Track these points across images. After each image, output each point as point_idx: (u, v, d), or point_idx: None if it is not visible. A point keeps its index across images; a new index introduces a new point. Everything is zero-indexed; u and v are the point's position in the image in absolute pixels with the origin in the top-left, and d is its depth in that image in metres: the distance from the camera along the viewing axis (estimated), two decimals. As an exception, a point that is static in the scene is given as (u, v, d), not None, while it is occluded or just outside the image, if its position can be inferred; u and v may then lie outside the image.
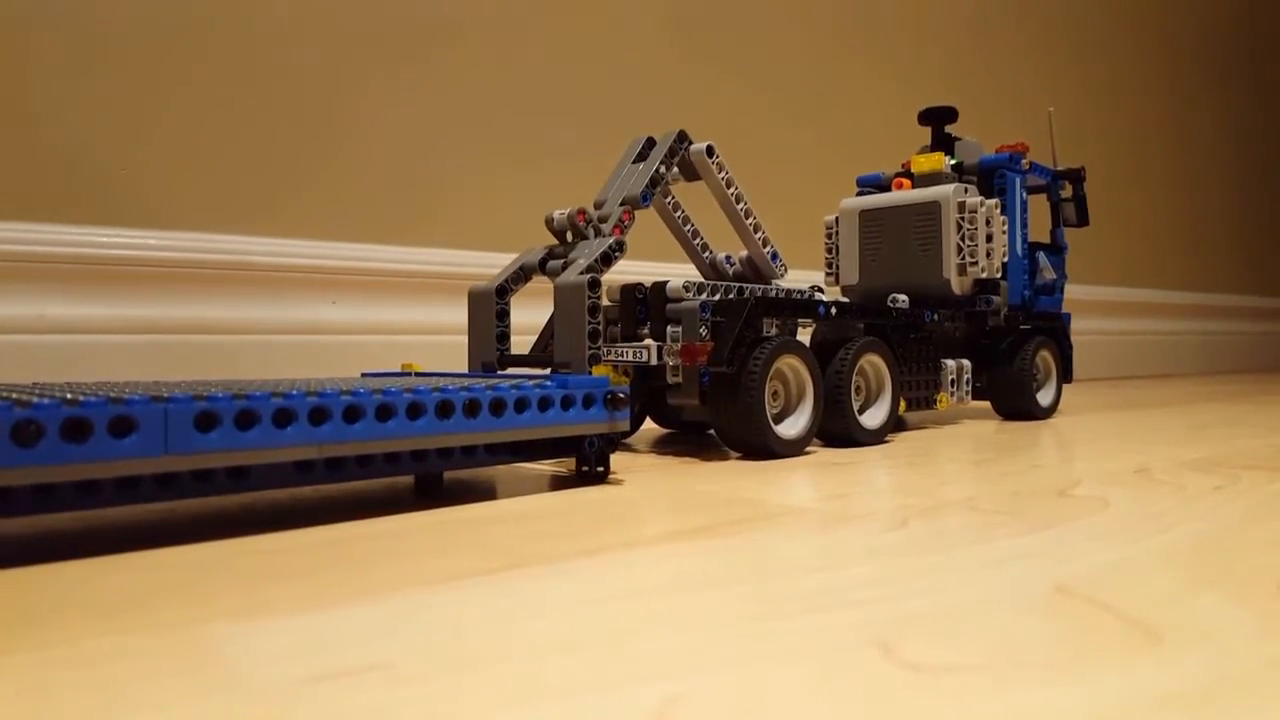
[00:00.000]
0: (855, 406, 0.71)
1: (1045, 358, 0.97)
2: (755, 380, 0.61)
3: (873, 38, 1.66)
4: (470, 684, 0.21)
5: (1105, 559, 0.33)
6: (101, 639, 0.25)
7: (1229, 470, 0.56)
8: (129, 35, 0.95)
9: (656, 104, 1.36)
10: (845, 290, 0.96)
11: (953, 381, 0.86)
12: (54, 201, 0.91)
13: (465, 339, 0.69)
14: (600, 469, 0.53)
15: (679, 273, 0.79)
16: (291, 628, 0.26)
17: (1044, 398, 0.96)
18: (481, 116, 1.20)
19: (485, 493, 0.50)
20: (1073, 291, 1.39)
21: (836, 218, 0.97)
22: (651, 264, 1.22)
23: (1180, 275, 2.38)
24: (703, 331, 0.63)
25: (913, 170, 0.93)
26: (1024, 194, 0.95)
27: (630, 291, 0.68)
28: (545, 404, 0.49)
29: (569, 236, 0.67)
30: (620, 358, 0.65)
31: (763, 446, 0.63)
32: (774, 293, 0.71)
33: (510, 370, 0.67)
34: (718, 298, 0.67)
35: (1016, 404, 0.94)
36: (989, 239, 0.86)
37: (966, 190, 0.87)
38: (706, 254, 0.78)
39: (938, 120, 0.98)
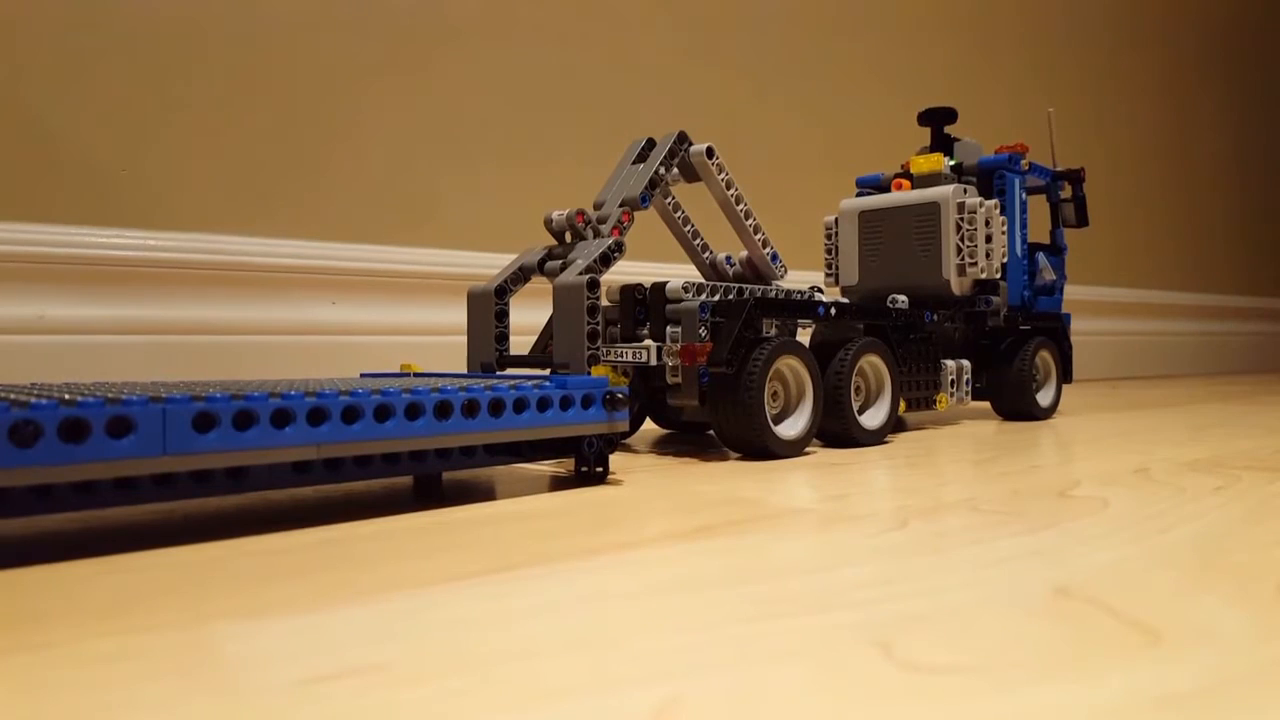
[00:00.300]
0: (855, 407, 0.71)
1: (1045, 358, 0.97)
2: (755, 381, 0.61)
3: (873, 38, 1.66)
4: (469, 684, 0.21)
5: (1105, 559, 0.33)
6: (101, 639, 0.25)
7: (1229, 471, 0.56)
8: (129, 36, 0.95)
9: (656, 105, 1.36)
10: (845, 291, 0.96)
11: (953, 382, 0.86)
12: (54, 201, 0.91)
13: (464, 339, 0.69)
14: (599, 469, 0.53)
15: (679, 273, 0.79)
16: (291, 628, 0.26)
17: (1044, 398, 0.96)
18: (481, 117, 1.20)
19: (484, 493, 0.50)
20: (1073, 291, 1.40)
21: (836, 218, 0.97)
22: (651, 264, 1.22)
23: (1180, 275, 2.38)
24: (702, 332, 0.63)
25: (912, 171, 0.93)
26: (1023, 195, 0.95)
27: (630, 292, 0.68)
28: (544, 404, 0.49)
29: (568, 237, 0.67)
30: (620, 358, 0.65)
31: (762, 447, 0.63)
32: (773, 293, 0.71)
33: (509, 371, 0.67)
34: (717, 298, 0.67)
35: (1016, 404, 0.94)
36: (988, 240, 0.86)
37: (966, 191, 0.87)
38: (706, 254, 0.78)
39: (937, 121, 0.98)
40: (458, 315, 0.84)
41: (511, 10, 1.22)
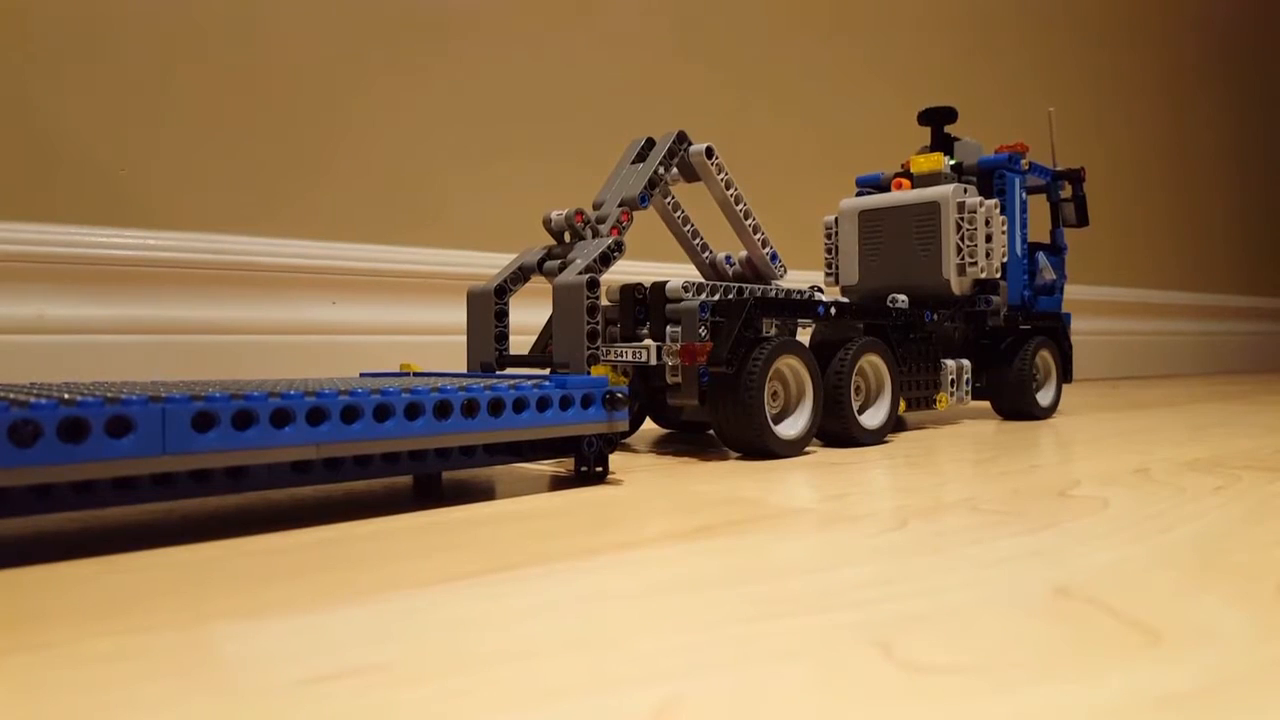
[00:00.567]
0: (855, 406, 0.71)
1: (1045, 358, 0.97)
2: (754, 380, 0.61)
3: (873, 38, 1.66)
4: (469, 684, 0.21)
5: (1105, 559, 0.33)
6: (100, 639, 0.25)
7: (1229, 470, 0.56)
8: (129, 35, 0.95)
9: (656, 104, 1.36)
10: (845, 290, 0.96)
11: (952, 381, 0.86)
12: (54, 201, 0.91)
13: (464, 339, 0.69)
14: (599, 469, 0.53)
15: (679, 273, 0.79)
16: (290, 628, 0.26)
17: (1044, 398, 0.96)
18: (481, 117, 1.20)
19: (484, 493, 0.50)
20: (1073, 291, 1.40)
21: (836, 218, 0.97)
22: (651, 264, 1.22)
23: (1180, 275, 2.38)
24: (702, 332, 0.63)
25: (912, 170, 0.93)
26: (1023, 194, 0.95)
27: (630, 292, 0.68)
28: (544, 404, 0.49)
29: (567, 237, 0.67)
30: (619, 358, 0.65)
31: (762, 447, 0.63)
32: (773, 293, 0.71)
33: (509, 370, 0.67)
34: (717, 298, 0.67)
35: (1016, 404, 0.94)
36: (988, 239, 0.86)
37: (966, 190, 0.87)
38: (706, 254, 0.78)
39: (937, 120, 0.98)
40: (457, 315, 0.84)
41: (512, 11, 1.22)
